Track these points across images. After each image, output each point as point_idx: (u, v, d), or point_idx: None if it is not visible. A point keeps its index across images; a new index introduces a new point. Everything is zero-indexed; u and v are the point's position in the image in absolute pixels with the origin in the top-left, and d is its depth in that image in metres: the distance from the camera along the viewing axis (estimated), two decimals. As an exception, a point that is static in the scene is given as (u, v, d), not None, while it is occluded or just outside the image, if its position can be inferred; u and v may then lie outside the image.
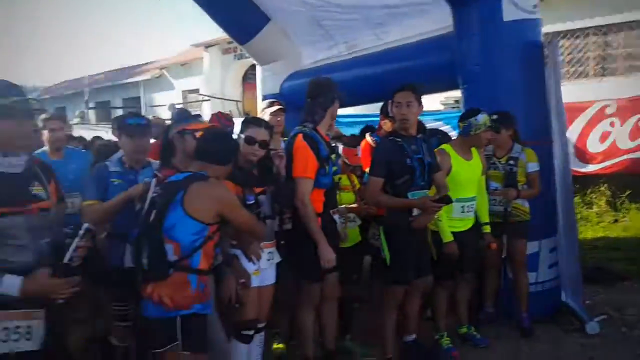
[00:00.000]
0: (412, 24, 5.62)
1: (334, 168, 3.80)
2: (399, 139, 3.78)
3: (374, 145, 4.64)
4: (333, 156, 3.76)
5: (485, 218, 4.38)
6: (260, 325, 3.54)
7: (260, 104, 5.05)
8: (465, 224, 4.19)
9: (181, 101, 20.57)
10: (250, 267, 3.30)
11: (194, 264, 2.56)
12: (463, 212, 4.13)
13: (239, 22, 6.94)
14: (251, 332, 3.43)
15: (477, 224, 4.30)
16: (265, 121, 3.55)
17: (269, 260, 3.44)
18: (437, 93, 6.79)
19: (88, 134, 14.70)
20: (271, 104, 4.18)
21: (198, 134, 3.02)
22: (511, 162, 4.56)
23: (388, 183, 3.75)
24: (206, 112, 17.78)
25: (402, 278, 3.82)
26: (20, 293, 2.11)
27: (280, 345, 4.33)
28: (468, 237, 4.16)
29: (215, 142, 2.83)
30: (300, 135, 3.63)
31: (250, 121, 3.43)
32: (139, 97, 22.49)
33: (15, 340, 2.17)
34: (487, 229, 4.36)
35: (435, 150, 4.11)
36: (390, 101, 3.98)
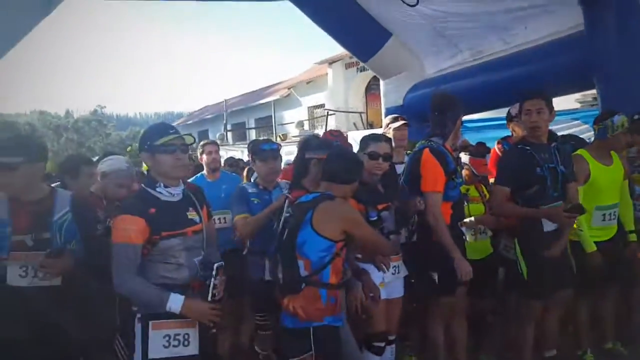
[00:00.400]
0: (538, 26, 5.42)
1: (460, 180, 3.77)
2: (528, 147, 3.66)
3: (500, 153, 4.51)
4: (458, 168, 3.75)
5: (630, 226, 4.03)
6: (391, 338, 3.61)
7: (385, 119, 5.15)
8: (608, 233, 3.89)
9: (307, 117, 21.44)
10: (375, 280, 3.41)
11: (324, 278, 2.70)
12: (604, 220, 3.85)
13: (362, 40, 7.17)
14: (382, 344, 3.51)
15: (621, 232, 4.00)
16: (384, 135, 3.66)
17: (393, 273, 3.51)
18: (570, 94, 6.40)
19: (226, 154, 15.96)
20: (395, 120, 4.27)
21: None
22: (659, 164, 4.18)
23: (517, 193, 3.63)
24: (332, 125, 18.37)
25: (540, 292, 3.67)
26: (181, 311, 2.42)
27: (412, 358, 4.36)
28: (611, 247, 3.86)
29: (339, 162, 2.98)
30: (427, 150, 3.66)
31: (370, 137, 3.54)
32: (270, 116, 23.82)
33: (175, 346, 2.49)
34: (633, 237, 4.00)
35: (571, 155, 3.90)
36: (515, 107, 3.87)
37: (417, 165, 3.63)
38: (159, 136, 2.53)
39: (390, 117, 4.52)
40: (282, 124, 21.81)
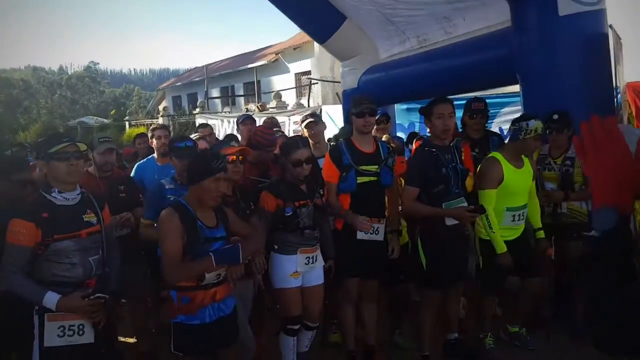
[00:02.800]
0: (476, 18, 5.56)
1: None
2: (434, 149, 3.90)
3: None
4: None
5: (538, 224, 4.28)
6: (311, 325, 3.97)
7: (300, 118, 5.46)
8: (516, 233, 4.16)
9: (294, 84, 21.46)
10: (289, 270, 3.73)
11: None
12: (514, 220, 4.09)
13: (317, 21, 7.26)
14: (295, 327, 3.86)
15: (527, 228, 4.26)
16: (302, 139, 3.95)
17: (307, 264, 3.81)
18: (496, 88, 6.56)
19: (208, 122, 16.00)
20: (305, 118, 4.60)
21: (230, 158, 3.46)
22: (567, 162, 4.41)
23: (424, 192, 3.90)
24: (316, 94, 18.43)
25: (437, 282, 3.99)
26: (56, 308, 2.69)
27: (336, 335, 4.73)
28: (518, 244, 4.13)
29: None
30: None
31: (290, 145, 3.78)
32: (258, 81, 23.81)
33: (70, 335, 2.72)
34: (541, 234, 4.26)
35: (486, 158, 4.13)
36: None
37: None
38: (53, 145, 2.77)
39: (302, 116, 4.84)
40: (266, 92, 21.78)
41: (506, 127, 7.76)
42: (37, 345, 2.72)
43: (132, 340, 4.51)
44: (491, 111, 7.27)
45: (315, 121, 4.58)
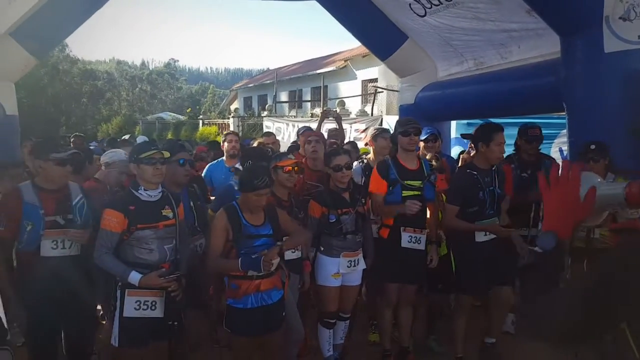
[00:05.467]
0: (530, 46, 5.81)
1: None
2: (475, 172, 4.24)
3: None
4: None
5: None
6: (344, 316, 4.41)
7: (369, 129, 5.81)
8: None
9: (360, 91, 21.88)
10: (332, 270, 4.19)
11: None
12: None
13: (380, 39, 7.69)
14: (332, 320, 4.33)
15: None
16: (342, 148, 4.42)
17: (349, 266, 4.24)
18: (543, 114, 6.75)
19: (273, 125, 16.77)
20: (378, 132, 5.11)
21: (286, 169, 3.98)
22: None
23: (460, 210, 4.25)
24: (381, 102, 18.74)
25: (470, 289, 4.32)
26: (138, 285, 3.22)
27: (375, 334, 5.14)
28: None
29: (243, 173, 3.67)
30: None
31: (331, 153, 4.26)
32: (325, 86, 24.41)
33: (144, 309, 3.29)
34: None
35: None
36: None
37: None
38: (143, 151, 3.39)
39: (373, 128, 5.22)
40: (331, 99, 22.26)
41: (566, 147, 7.89)
42: (117, 314, 3.33)
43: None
44: (552, 132, 7.49)
45: (383, 136, 4.98)
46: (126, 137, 11.13)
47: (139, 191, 3.40)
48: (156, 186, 3.46)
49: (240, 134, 18.97)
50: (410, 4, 6.54)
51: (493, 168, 4.27)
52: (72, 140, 8.90)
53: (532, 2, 5.08)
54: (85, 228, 3.53)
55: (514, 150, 5.20)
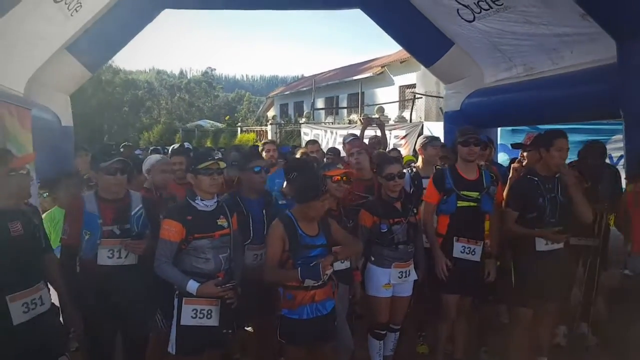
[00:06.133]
0: (583, 51, 5.64)
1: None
2: (535, 178, 4.13)
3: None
4: None
5: None
6: (395, 327, 4.36)
7: (420, 138, 5.70)
8: None
9: (398, 97, 21.74)
10: (382, 281, 4.14)
11: None
12: None
13: (425, 46, 7.62)
14: (382, 332, 4.28)
15: None
16: (393, 157, 4.35)
17: (400, 277, 4.18)
18: (596, 120, 6.54)
19: (310, 132, 16.78)
20: (430, 140, 5.06)
21: (335, 178, 3.96)
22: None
23: (519, 216, 4.15)
24: (420, 108, 18.57)
25: (526, 301, 4.17)
26: (196, 293, 3.25)
27: (424, 346, 5.07)
28: None
29: (298, 183, 3.71)
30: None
31: (384, 161, 4.22)
32: (363, 93, 24.36)
33: (200, 317, 3.33)
34: None
35: None
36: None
37: None
38: (201, 161, 3.43)
39: (422, 137, 5.17)
40: (368, 105, 22.17)
41: (615, 154, 7.66)
42: (175, 322, 3.37)
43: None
44: (602, 137, 7.28)
45: (433, 144, 4.97)
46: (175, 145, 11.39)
47: (196, 201, 3.44)
48: (212, 196, 3.49)
49: (277, 140, 19.19)
50: (458, 10, 6.46)
51: (556, 175, 4.14)
52: (121, 150, 9.13)
53: (587, 5, 4.95)
54: (142, 238, 3.57)
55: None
